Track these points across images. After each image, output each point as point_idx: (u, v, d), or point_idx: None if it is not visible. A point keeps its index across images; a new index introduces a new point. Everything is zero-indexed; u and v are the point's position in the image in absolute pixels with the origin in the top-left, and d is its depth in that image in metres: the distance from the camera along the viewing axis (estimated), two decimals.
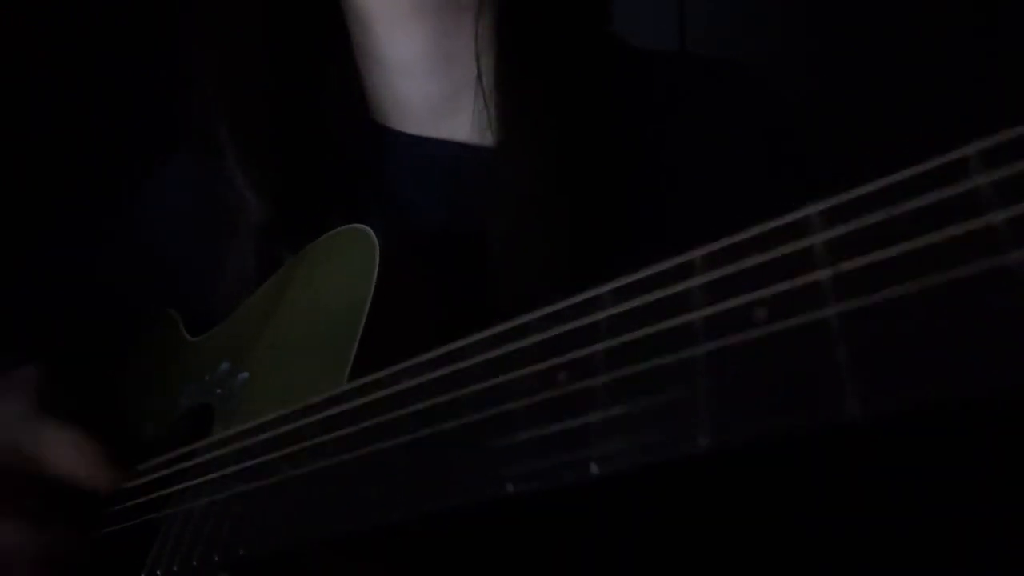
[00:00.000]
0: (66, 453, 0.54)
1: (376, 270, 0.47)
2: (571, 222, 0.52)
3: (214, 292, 0.62)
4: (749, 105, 0.59)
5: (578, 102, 0.55)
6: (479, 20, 0.56)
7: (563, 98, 0.55)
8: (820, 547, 0.47)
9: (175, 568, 0.45)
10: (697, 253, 0.25)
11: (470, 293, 0.51)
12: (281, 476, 0.40)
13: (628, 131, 0.56)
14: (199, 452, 0.50)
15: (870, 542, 0.44)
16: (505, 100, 0.55)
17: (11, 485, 0.53)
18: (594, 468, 0.25)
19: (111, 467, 0.54)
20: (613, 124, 0.56)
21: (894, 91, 0.84)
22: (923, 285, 0.19)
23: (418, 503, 0.31)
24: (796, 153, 0.58)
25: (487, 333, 0.32)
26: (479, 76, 0.55)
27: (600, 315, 0.27)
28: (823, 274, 0.21)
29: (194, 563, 0.44)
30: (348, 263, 0.50)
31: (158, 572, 0.47)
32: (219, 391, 0.56)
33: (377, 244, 0.48)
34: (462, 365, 0.32)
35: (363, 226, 0.50)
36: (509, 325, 0.31)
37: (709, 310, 0.24)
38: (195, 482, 0.48)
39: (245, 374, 0.55)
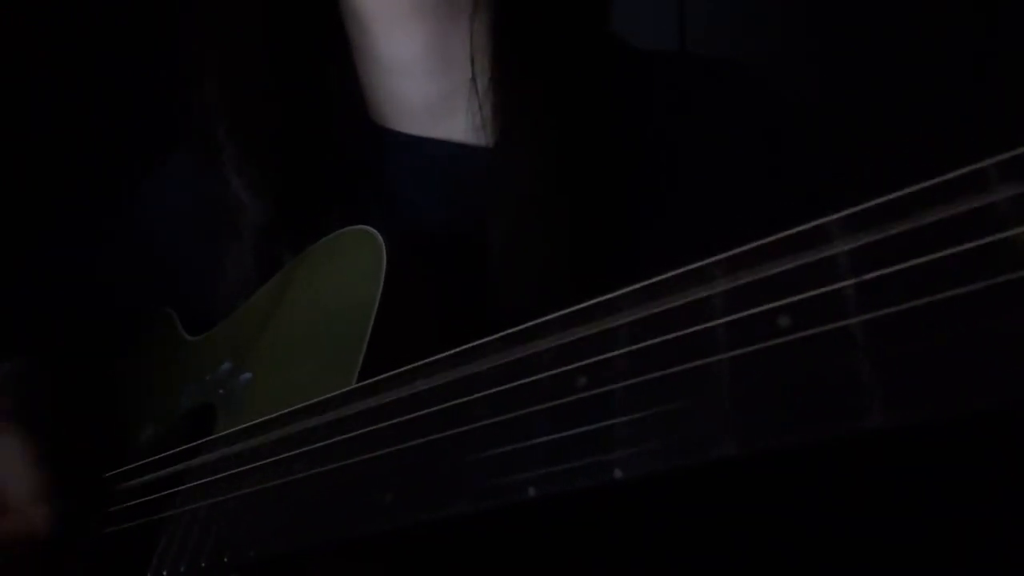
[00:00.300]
0: (12, 476, 0.53)
1: (384, 271, 0.47)
2: (570, 222, 0.52)
3: (213, 292, 0.62)
4: (749, 105, 0.59)
5: (577, 102, 0.55)
6: (473, 21, 0.56)
7: (561, 98, 0.55)
8: (835, 548, 0.47)
9: (182, 569, 0.45)
10: (717, 259, 0.26)
11: (470, 293, 0.51)
12: (292, 476, 0.40)
13: (628, 131, 0.57)
14: (203, 451, 0.50)
15: (885, 544, 0.45)
16: (502, 100, 0.55)
17: None
18: (618, 472, 0.25)
19: (44, 505, 0.53)
20: (613, 124, 0.56)
21: (894, 91, 0.85)
22: (946, 295, 0.20)
23: (436, 507, 0.31)
24: (796, 153, 0.59)
25: (502, 335, 0.32)
26: (473, 77, 0.55)
27: (620, 319, 0.28)
28: (847, 283, 0.22)
29: (202, 564, 0.44)
30: (354, 264, 0.50)
31: (164, 572, 0.47)
32: (221, 391, 0.56)
33: (384, 246, 0.48)
34: (478, 367, 0.32)
35: (369, 228, 0.50)
36: (525, 327, 0.31)
37: (732, 316, 0.24)
38: (201, 482, 0.48)
39: (248, 374, 0.55)
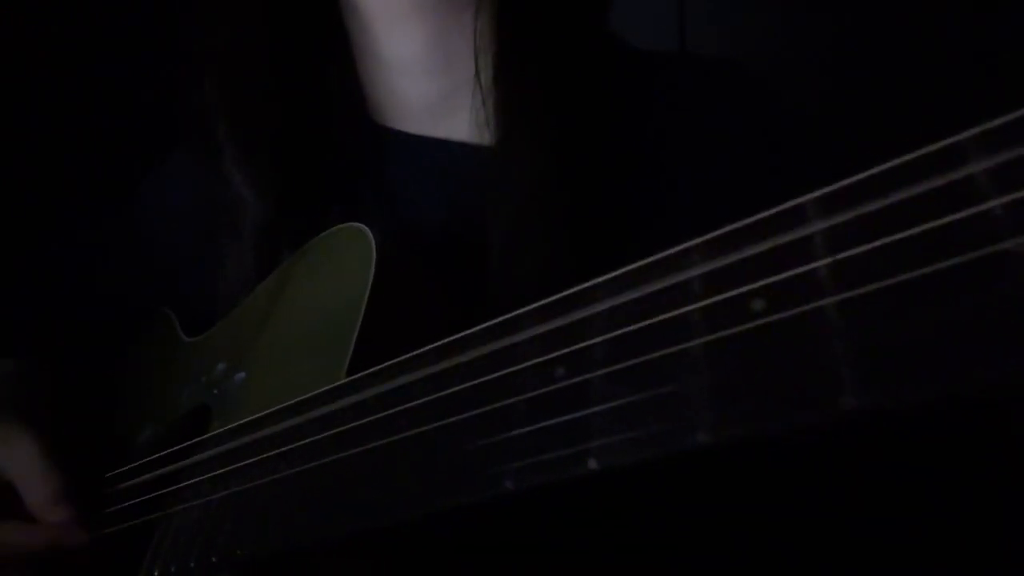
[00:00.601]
0: (27, 481, 0.53)
1: (373, 268, 0.47)
2: (570, 221, 0.52)
3: (213, 291, 0.62)
4: (748, 105, 0.59)
5: (577, 101, 0.55)
6: (477, 19, 0.56)
7: (562, 97, 0.55)
8: (818, 543, 0.46)
9: (172, 569, 0.45)
10: (694, 243, 0.25)
11: (469, 291, 0.51)
12: (278, 475, 0.40)
13: (628, 131, 0.56)
14: (195, 452, 0.50)
15: (869, 539, 0.44)
16: (503, 99, 0.55)
17: None
18: (593, 463, 0.24)
19: (67, 501, 0.53)
20: (612, 124, 0.56)
21: (894, 91, 0.84)
22: (921, 273, 0.19)
23: (416, 501, 0.31)
24: (795, 153, 0.58)
25: (483, 328, 0.32)
26: (477, 74, 0.55)
27: (598, 307, 0.27)
28: (821, 263, 0.21)
29: (191, 564, 0.44)
30: (345, 261, 0.50)
31: (156, 573, 0.46)
32: (216, 391, 0.56)
33: (373, 242, 0.48)
34: (459, 360, 0.32)
35: (359, 224, 0.50)
36: (505, 319, 0.31)
37: (707, 301, 0.23)
38: (191, 482, 0.48)
39: (242, 374, 0.54)
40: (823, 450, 0.37)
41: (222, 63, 0.60)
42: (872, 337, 0.20)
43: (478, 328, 0.32)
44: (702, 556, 0.47)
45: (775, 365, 0.21)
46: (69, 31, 0.85)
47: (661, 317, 0.24)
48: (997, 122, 0.19)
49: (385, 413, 0.35)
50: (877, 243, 0.20)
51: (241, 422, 0.45)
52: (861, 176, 0.21)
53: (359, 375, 0.39)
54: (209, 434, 0.49)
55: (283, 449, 0.41)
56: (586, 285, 0.28)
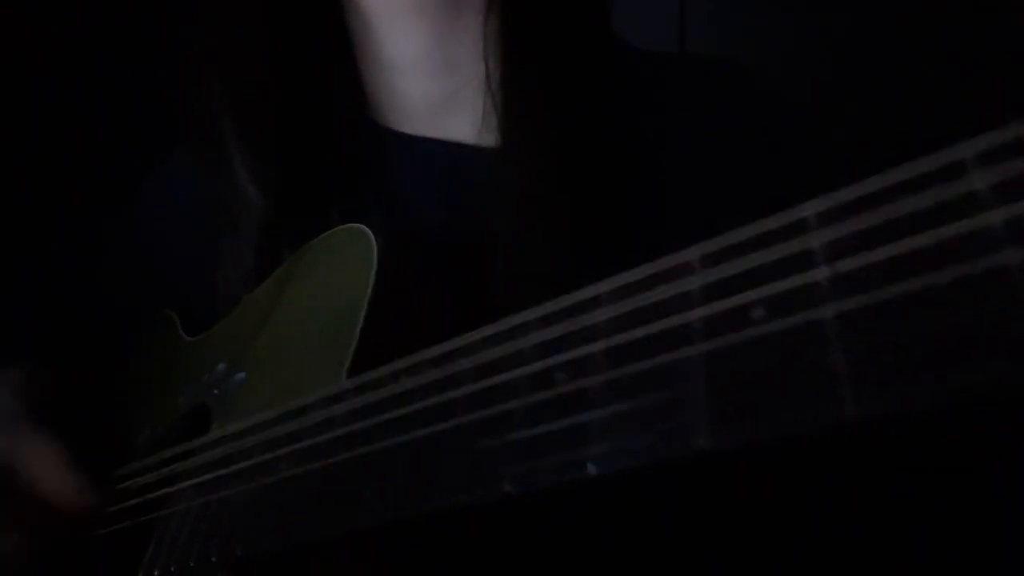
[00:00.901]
0: (48, 475, 0.53)
1: (374, 269, 0.47)
2: (572, 223, 0.52)
3: (213, 292, 0.62)
4: (749, 105, 0.59)
5: (580, 103, 0.55)
6: (487, 21, 0.56)
7: (565, 98, 0.55)
8: (819, 548, 0.47)
9: (172, 568, 0.45)
10: (695, 252, 0.25)
11: (470, 293, 0.51)
12: (278, 476, 0.40)
13: (629, 132, 0.57)
14: (195, 452, 0.50)
15: (870, 543, 0.44)
16: (508, 100, 0.55)
17: None
18: (591, 468, 0.25)
19: (90, 492, 0.53)
20: (614, 125, 0.56)
21: (894, 91, 0.84)
22: (921, 284, 0.19)
23: (415, 503, 0.31)
24: (795, 153, 0.58)
25: (483, 332, 0.32)
26: (487, 77, 0.55)
27: (598, 314, 0.27)
28: (821, 273, 0.21)
29: (191, 563, 0.44)
30: (345, 262, 0.50)
31: (155, 573, 0.47)
32: (216, 392, 0.56)
33: (375, 243, 0.48)
34: (459, 364, 0.32)
35: (360, 225, 0.50)
36: (506, 324, 0.31)
37: (707, 310, 0.24)
38: (191, 482, 0.48)
39: (242, 374, 0.55)
40: (823, 454, 0.38)
41: (225, 62, 0.60)
42: (873, 346, 0.20)
43: (479, 333, 0.32)
44: (700, 559, 0.47)
45: (775, 372, 0.22)
46: (69, 31, 0.85)
47: (662, 324, 0.25)
48: (999, 136, 0.19)
49: (386, 416, 0.35)
50: (877, 254, 0.20)
51: (242, 424, 0.46)
52: (862, 187, 0.21)
53: (360, 377, 0.39)
54: (209, 435, 0.50)
55: (284, 451, 0.41)
56: (587, 292, 0.28)
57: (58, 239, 0.73)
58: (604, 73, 0.58)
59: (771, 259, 0.23)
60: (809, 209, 0.23)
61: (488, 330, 0.32)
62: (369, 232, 0.49)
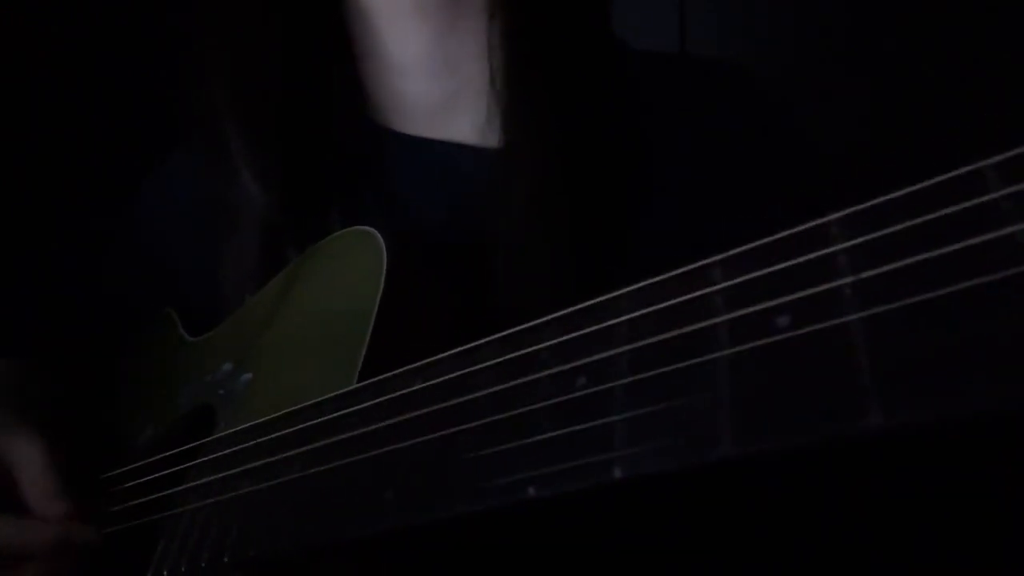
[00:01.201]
0: (27, 476, 0.53)
1: (384, 272, 0.47)
2: (573, 223, 0.53)
3: (215, 291, 0.62)
4: (749, 106, 0.60)
5: (581, 104, 0.55)
6: (491, 23, 0.56)
7: (567, 100, 0.55)
8: (834, 549, 0.47)
9: (183, 568, 0.45)
10: (719, 258, 0.26)
11: (472, 293, 0.51)
12: (292, 476, 0.40)
13: (629, 132, 0.57)
14: (203, 452, 0.50)
15: (884, 544, 0.45)
16: (510, 101, 0.55)
17: None
18: (617, 471, 0.25)
19: (63, 500, 0.53)
20: (615, 125, 0.56)
21: (894, 91, 0.85)
22: (946, 292, 0.20)
23: (438, 507, 0.31)
24: (795, 153, 0.59)
25: (503, 335, 0.32)
26: (491, 77, 0.56)
27: (620, 319, 0.28)
28: (845, 281, 0.22)
29: (202, 564, 0.44)
30: (354, 265, 0.50)
31: (165, 572, 0.47)
32: (221, 392, 0.56)
33: (384, 246, 0.48)
34: (478, 367, 0.32)
35: (370, 228, 0.50)
36: (525, 327, 0.31)
37: (731, 315, 0.24)
38: (200, 482, 0.48)
39: (248, 375, 0.55)
40: (842, 454, 0.38)
41: (226, 63, 0.60)
42: (898, 354, 0.20)
43: (498, 336, 0.33)
44: (707, 559, 0.47)
45: (800, 379, 0.22)
46: (69, 31, 0.85)
47: (685, 329, 0.25)
48: (1020, 150, 0.19)
49: (406, 416, 0.35)
50: (901, 263, 0.21)
51: (254, 423, 0.46)
52: (884, 199, 0.22)
53: (375, 380, 0.39)
54: (217, 434, 0.50)
55: (297, 451, 0.41)
56: (608, 296, 0.29)
57: (58, 239, 0.72)
58: (605, 74, 0.58)
59: (795, 266, 0.23)
60: (831, 217, 0.23)
61: (507, 333, 0.32)
62: (378, 235, 0.49)
